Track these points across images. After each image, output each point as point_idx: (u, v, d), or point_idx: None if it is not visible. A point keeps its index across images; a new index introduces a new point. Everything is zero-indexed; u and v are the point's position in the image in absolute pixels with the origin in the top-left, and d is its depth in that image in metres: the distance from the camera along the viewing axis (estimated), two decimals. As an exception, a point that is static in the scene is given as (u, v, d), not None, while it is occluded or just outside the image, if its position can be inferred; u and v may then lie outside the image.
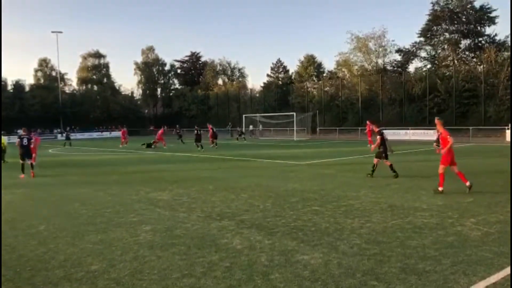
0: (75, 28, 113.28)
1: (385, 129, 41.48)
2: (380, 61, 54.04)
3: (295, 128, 43.31)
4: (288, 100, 59.07)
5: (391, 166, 13.63)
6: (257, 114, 50.90)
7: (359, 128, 45.23)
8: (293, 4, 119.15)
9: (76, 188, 12.89)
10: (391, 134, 40.04)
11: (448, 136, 10.46)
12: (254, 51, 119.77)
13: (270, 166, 18.16)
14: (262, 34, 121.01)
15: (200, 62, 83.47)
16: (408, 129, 40.24)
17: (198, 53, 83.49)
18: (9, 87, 66.09)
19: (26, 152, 16.53)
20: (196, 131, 29.36)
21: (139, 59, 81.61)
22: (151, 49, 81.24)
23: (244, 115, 49.85)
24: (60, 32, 65.52)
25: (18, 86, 66.48)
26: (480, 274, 5.02)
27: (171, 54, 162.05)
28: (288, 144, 33.42)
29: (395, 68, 53.66)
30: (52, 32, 64.69)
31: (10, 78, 67.50)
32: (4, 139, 22.09)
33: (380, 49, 53.32)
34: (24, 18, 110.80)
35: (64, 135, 40.62)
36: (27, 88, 67.87)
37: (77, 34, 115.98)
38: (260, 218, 8.20)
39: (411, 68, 53.03)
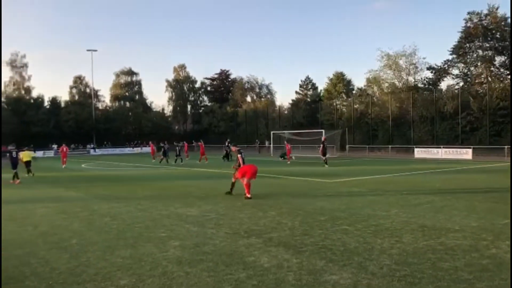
0: (109, 46, 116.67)
1: (417, 147, 40.81)
2: (411, 78, 53.30)
3: (324, 146, 42.99)
4: (316, 117, 58.85)
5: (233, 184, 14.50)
6: (285, 131, 50.82)
7: (390, 146, 44.66)
8: (322, 22, 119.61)
9: (107, 202, 13.14)
10: (422, 152, 39.40)
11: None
12: (283, 69, 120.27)
13: (298, 183, 18.07)
14: (290, 52, 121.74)
15: (229, 79, 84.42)
16: (440, 147, 39.41)
17: (227, 71, 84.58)
18: (46, 104, 68.29)
19: (15, 162, 21.02)
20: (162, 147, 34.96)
21: (171, 77, 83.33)
22: (182, 67, 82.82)
23: (272, 132, 49.89)
24: (95, 50, 67.70)
25: (54, 102, 68.60)
26: (516, 300, 4.83)
27: (202, 72, 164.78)
28: (317, 162, 33.16)
29: (427, 86, 52.79)
30: (87, 50, 66.85)
31: (47, 94, 69.84)
32: (28, 153, 23.13)
33: (411, 67, 52.62)
34: (61, 36, 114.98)
35: (177, 149, 35.73)
36: (62, 105, 69.89)
37: (110, 52, 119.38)
38: (288, 236, 8.15)
39: (443, 85, 52.09)
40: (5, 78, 67.70)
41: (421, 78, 53.55)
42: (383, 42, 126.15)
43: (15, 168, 20.87)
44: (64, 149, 33.75)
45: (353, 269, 6.07)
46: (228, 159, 34.89)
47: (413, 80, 53.28)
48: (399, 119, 49.33)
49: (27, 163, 22.23)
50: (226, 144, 37.49)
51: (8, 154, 22.09)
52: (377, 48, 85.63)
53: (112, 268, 6.33)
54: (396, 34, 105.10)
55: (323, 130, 44.20)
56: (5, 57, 66.17)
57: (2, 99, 65.21)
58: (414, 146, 42.39)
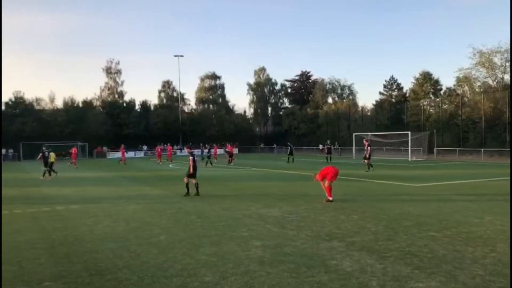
0: (194, 51, 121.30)
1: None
2: (507, 76, 49.40)
3: (409, 148, 41.31)
4: (402, 119, 56.58)
5: (196, 184, 15.18)
6: (368, 133, 49.45)
7: (482, 149, 41.73)
8: (406, 19, 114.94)
9: (192, 201, 13.69)
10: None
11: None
12: (366, 69, 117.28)
13: (381, 187, 17.52)
14: (374, 51, 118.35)
15: (310, 81, 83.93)
16: (540, 151, 36.08)
17: (308, 72, 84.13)
18: (137, 107, 72.54)
19: (47, 161, 23.74)
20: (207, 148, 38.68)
21: (252, 80, 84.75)
22: (262, 69, 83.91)
23: (354, 134, 48.85)
24: (181, 56, 70.72)
25: (144, 106, 72.70)
26: None
27: (282, 74, 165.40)
28: (402, 165, 31.94)
29: (525, 84, 48.67)
30: (175, 56, 70.16)
31: (138, 98, 74.01)
32: (52, 154, 24.99)
33: (507, 64, 48.81)
34: (150, 43, 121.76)
35: (288, 149, 37.66)
36: (152, 108, 73.82)
37: (195, 56, 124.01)
38: (372, 241, 7.93)
39: (545, 83, 47.62)
40: (101, 83, 73.63)
41: (519, 76, 49.42)
42: (475, 38, 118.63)
43: (46, 166, 23.65)
44: (159, 149, 42.33)
45: (442, 277, 5.76)
46: (292, 160, 36.49)
47: (510, 79, 49.35)
48: (493, 120, 45.89)
49: (51, 164, 24.26)
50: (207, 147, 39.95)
51: (41, 154, 24.72)
52: (469, 45, 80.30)
53: (197, 264, 6.58)
54: (490, 29, 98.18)
55: (409, 132, 42.49)
56: (102, 64, 71.34)
57: (98, 103, 70.46)
58: (510, 149, 39.24)
